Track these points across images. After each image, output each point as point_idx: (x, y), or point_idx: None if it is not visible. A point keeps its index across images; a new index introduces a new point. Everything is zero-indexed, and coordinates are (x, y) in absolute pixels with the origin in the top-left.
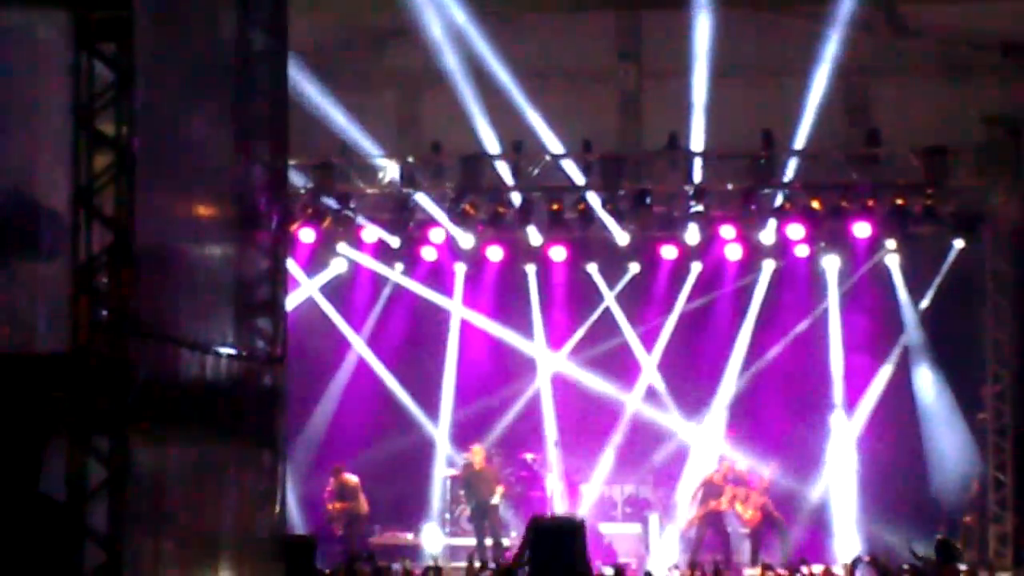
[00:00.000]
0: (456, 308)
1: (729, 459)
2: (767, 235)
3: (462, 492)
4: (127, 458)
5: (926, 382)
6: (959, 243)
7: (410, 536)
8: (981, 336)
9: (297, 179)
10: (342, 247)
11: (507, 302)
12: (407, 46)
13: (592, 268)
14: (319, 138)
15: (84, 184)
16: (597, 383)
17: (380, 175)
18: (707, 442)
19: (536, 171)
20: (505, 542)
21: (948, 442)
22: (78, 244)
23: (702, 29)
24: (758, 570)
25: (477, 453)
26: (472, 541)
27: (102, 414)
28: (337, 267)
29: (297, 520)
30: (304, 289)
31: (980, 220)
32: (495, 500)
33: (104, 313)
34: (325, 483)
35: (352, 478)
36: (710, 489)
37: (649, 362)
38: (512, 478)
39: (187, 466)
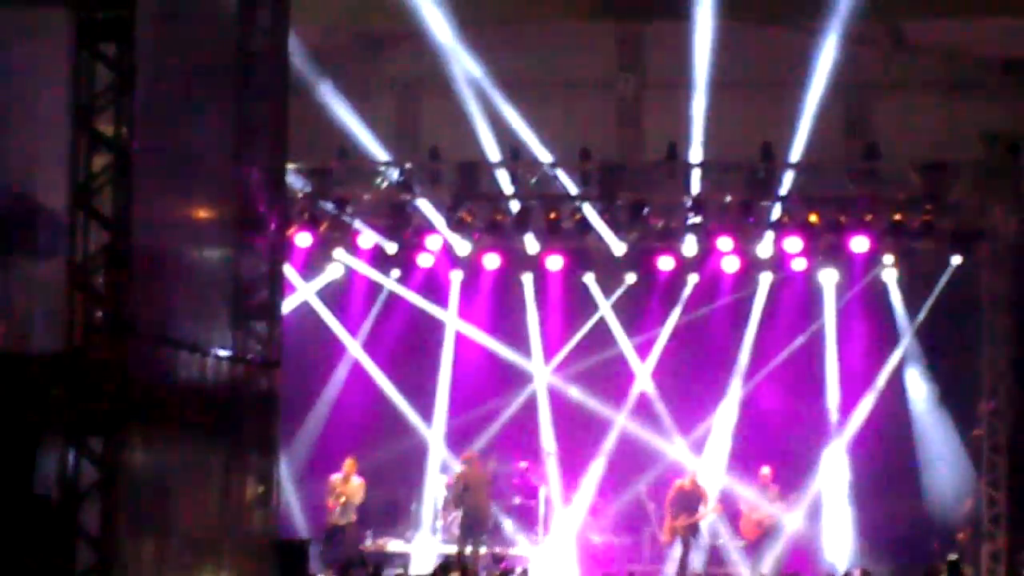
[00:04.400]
0: (451, 316)
1: (694, 468)
2: (764, 248)
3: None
4: (120, 459)
5: (921, 398)
6: (956, 259)
7: (402, 543)
8: (977, 353)
9: (295, 183)
10: (338, 252)
11: (503, 310)
12: (407, 51)
13: (589, 278)
14: (317, 142)
15: (82, 184)
16: (591, 394)
17: (378, 180)
18: (700, 455)
19: (534, 179)
20: (497, 550)
21: (943, 458)
22: (75, 244)
23: (703, 41)
24: None
25: (474, 460)
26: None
27: (96, 415)
28: (333, 272)
29: (291, 523)
30: (300, 293)
31: (978, 237)
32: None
33: (100, 313)
34: (322, 484)
35: (359, 480)
36: (683, 498)
37: (644, 373)
38: (505, 487)
39: (181, 468)
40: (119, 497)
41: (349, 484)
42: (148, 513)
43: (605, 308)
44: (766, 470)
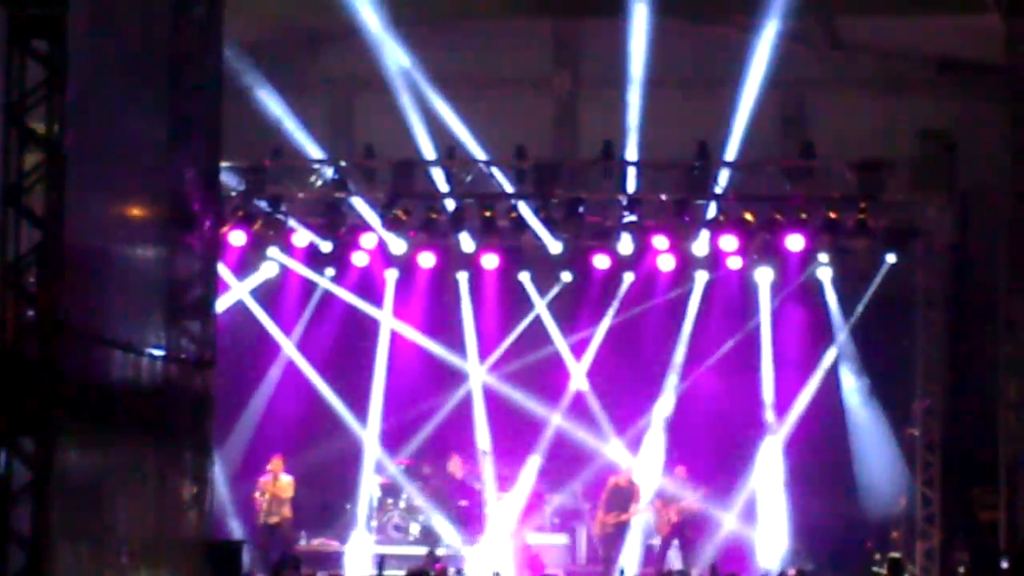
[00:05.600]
0: (386, 316)
1: (630, 465)
2: (700, 246)
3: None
4: (52, 460)
5: (855, 396)
6: (891, 257)
7: (337, 544)
8: (911, 351)
9: (229, 181)
10: (273, 251)
11: (438, 309)
12: (342, 49)
13: (524, 276)
14: (252, 140)
15: (13, 182)
16: (527, 393)
17: (312, 179)
18: (636, 454)
19: (470, 178)
20: (433, 550)
21: (877, 457)
22: (6, 243)
23: (638, 38)
24: None
25: (455, 464)
26: (400, 549)
27: (28, 415)
28: (268, 271)
29: (225, 524)
30: (234, 292)
31: (913, 235)
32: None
33: (31, 313)
34: (255, 482)
35: (288, 478)
36: (616, 494)
37: (579, 372)
38: (440, 486)
39: (114, 468)
40: (51, 498)
41: (278, 483)
42: (81, 514)
43: (541, 307)
44: (680, 470)
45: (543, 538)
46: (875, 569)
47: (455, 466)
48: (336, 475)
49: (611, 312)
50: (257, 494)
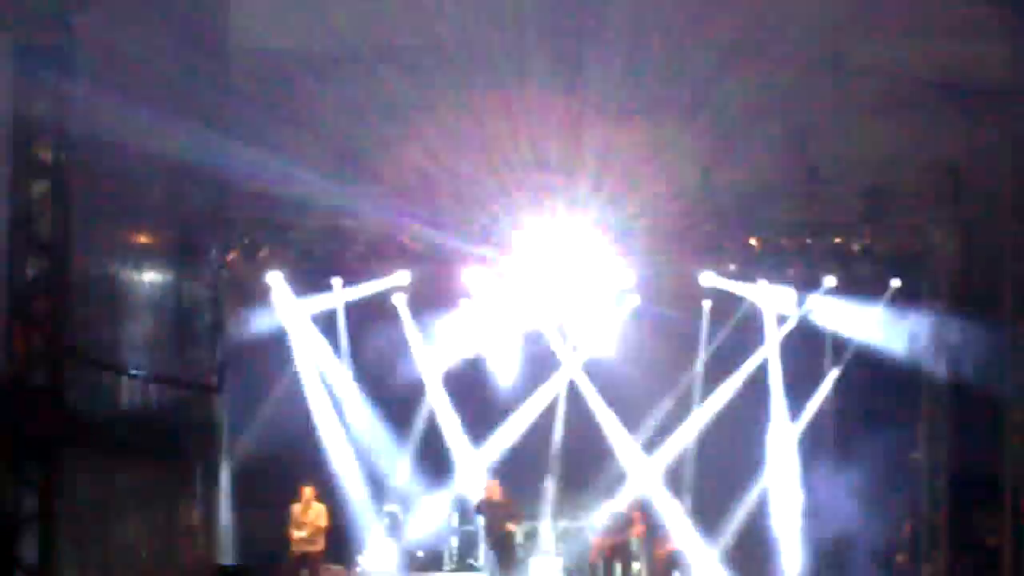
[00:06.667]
0: (396, 339)
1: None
2: (706, 273)
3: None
4: (59, 487)
5: (859, 419)
6: (896, 282)
7: (343, 568)
8: (916, 375)
9: (236, 209)
10: (278, 277)
11: (449, 331)
12: (348, 76)
13: None
14: (259, 168)
15: (21, 211)
16: (538, 416)
17: (319, 205)
18: (645, 478)
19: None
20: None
21: (881, 481)
22: (14, 271)
23: (642, 63)
24: None
25: (494, 486)
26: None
27: (35, 442)
28: (274, 297)
29: (231, 549)
30: (241, 319)
31: (917, 259)
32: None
33: (40, 340)
34: (262, 510)
35: (320, 506)
36: (617, 520)
37: (591, 396)
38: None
39: (121, 494)
40: (58, 525)
41: (311, 511)
42: (89, 540)
43: (551, 330)
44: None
45: (549, 561)
46: None
47: (492, 490)
48: (343, 500)
49: (620, 338)
50: (291, 526)
